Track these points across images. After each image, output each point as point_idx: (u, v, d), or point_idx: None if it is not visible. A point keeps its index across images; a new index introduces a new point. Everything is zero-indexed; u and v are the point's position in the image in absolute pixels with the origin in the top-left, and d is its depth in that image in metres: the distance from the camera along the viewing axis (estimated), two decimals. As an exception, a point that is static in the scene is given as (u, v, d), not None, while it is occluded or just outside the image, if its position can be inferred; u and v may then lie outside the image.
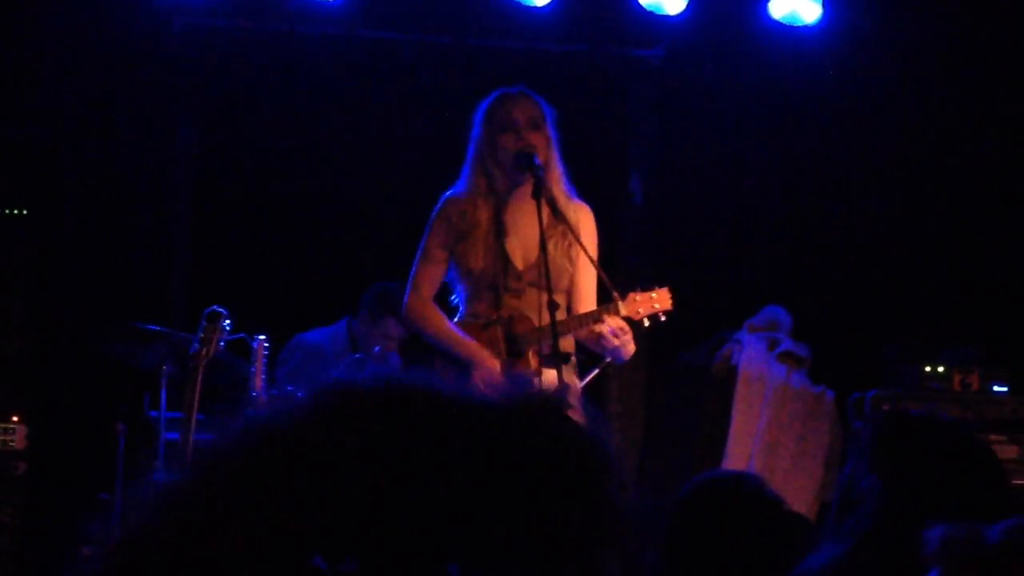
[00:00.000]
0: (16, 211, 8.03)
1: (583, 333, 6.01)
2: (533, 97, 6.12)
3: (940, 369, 8.10)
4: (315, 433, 1.20)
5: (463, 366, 5.96)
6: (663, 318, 6.10)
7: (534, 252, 5.93)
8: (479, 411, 1.23)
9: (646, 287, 6.11)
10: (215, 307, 6.03)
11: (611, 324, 5.89)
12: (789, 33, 8.68)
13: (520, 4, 8.40)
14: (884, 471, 3.03)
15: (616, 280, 6.06)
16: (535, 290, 5.95)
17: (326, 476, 1.15)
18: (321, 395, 1.24)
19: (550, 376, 5.79)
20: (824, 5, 8.58)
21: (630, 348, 5.96)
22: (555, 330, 5.65)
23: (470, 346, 5.97)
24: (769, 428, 8.14)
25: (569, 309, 6.08)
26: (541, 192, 5.80)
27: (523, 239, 6.04)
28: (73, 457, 8.04)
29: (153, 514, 1.21)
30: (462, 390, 1.25)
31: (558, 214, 5.95)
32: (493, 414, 1.22)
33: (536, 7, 8.42)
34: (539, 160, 5.90)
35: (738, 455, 8.12)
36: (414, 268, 6.15)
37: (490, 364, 5.94)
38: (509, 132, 5.99)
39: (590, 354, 6.26)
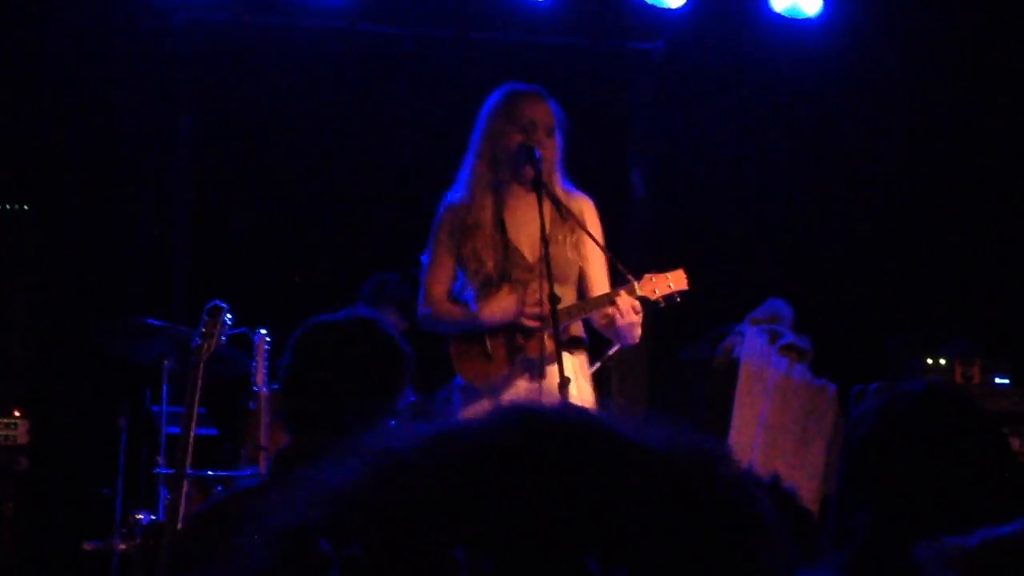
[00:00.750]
0: (18, 206, 8.03)
1: (598, 317, 6.03)
2: (551, 103, 6.12)
3: (942, 361, 8.12)
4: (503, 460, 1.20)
5: (485, 332, 5.98)
6: (679, 299, 6.11)
7: (539, 245, 5.94)
8: (646, 455, 1.22)
9: (661, 269, 6.13)
10: (216, 301, 6.01)
11: (625, 303, 5.90)
12: (790, 26, 8.69)
13: (521, -2, 8.42)
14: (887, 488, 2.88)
15: (617, 273, 6.06)
16: (544, 281, 5.97)
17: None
18: (512, 421, 1.24)
19: (551, 379, 5.82)
20: (825, -2, 8.60)
21: (638, 331, 5.98)
22: (556, 321, 5.68)
23: (485, 306, 5.99)
24: (771, 421, 8.15)
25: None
26: (540, 184, 5.83)
27: (529, 233, 6.05)
28: (75, 452, 8.06)
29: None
30: (634, 430, 1.25)
31: (561, 207, 5.98)
32: (656, 458, 1.22)
33: (537, 1, 8.42)
34: (539, 154, 5.92)
35: (740, 448, 8.13)
36: (424, 278, 6.17)
37: (506, 301, 5.97)
38: (527, 133, 5.99)
39: (597, 343, 6.28)
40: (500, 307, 5.99)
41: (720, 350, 8.40)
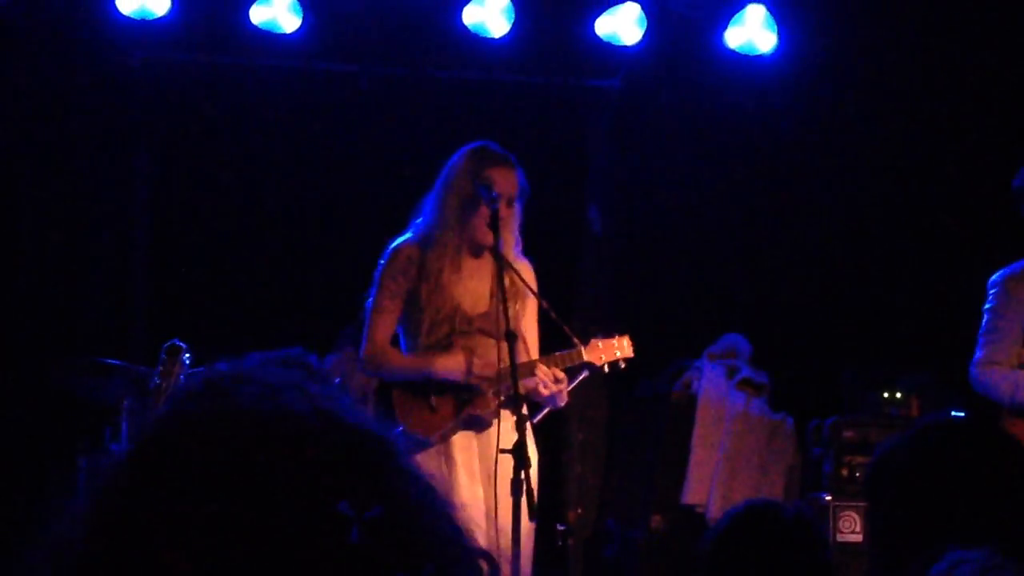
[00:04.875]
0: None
1: (530, 383, 6.07)
2: (519, 172, 6.14)
3: (898, 395, 8.16)
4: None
5: (427, 383, 6.02)
6: (623, 366, 6.22)
7: (484, 300, 6.04)
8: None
9: (608, 334, 6.22)
10: (175, 341, 6.01)
11: (545, 375, 5.99)
12: (745, 63, 8.73)
13: (478, 35, 8.44)
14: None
15: (575, 310, 6.11)
16: (483, 337, 6.04)
17: None
18: None
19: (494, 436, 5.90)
20: (779, 35, 8.64)
21: (565, 396, 6.07)
22: (515, 371, 5.70)
23: (428, 359, 6.04)
24: (729, 455, 8.17)
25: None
26: (496, 225, 5.87)
27: (475, 287, 6.11)
28: (33, 491, 8.01)
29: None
30: None
31: (505, 264, 6.01)
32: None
33: (493, 38, 8.45)
34: (496, 194, 5.94)
35: (699, 483, 8.15)
36: (368, 321, 6.19)
37: (454, 363, 6.00)
38: (494, 202, 6.00)
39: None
40: (447, 367, 6.02)
41: (678, 385, 8.43)
